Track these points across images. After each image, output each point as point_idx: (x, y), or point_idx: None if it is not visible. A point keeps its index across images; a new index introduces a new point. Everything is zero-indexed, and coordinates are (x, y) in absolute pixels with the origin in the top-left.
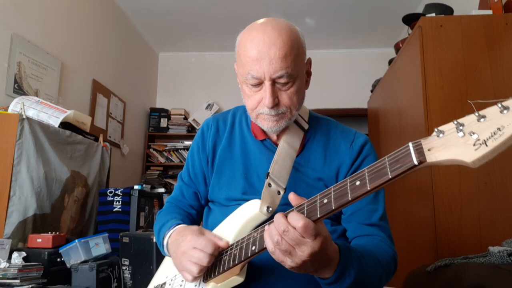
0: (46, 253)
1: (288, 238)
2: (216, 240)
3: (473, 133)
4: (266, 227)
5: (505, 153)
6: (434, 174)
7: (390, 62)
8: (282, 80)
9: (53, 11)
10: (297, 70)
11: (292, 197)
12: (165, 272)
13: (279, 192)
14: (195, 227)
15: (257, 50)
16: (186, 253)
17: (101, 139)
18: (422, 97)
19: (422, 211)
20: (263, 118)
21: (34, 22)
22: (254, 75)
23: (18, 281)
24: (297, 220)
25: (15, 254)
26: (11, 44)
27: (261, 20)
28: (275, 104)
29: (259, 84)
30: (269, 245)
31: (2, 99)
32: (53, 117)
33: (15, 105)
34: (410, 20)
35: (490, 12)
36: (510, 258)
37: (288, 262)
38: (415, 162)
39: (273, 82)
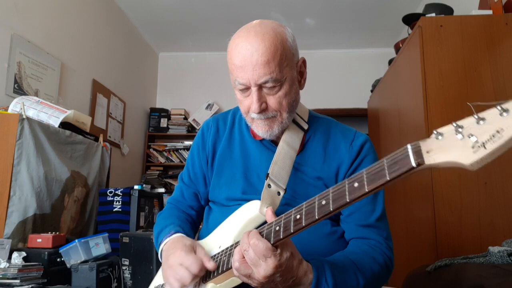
0: (46, 253)
1: (248, 257)
2: (205, 261)
3: (472, 136)
4: (234, 250)
5: (505, 153)
6: (434, 174)
7: (390, 62)
8: (268, 85)
9: (53, 11)
10: (283, 73)
11: (268, 212)
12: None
13: (279, 193)
14: (188, 241)
15: (240, 57)
16: (172, 267)
17: (101, 139)
18: (422, 97)
19: (422, 211)
20: (257, 124)
21: (34, 22)
22: (240, 81)
23: (18, 281)
24: (251, 238)
25: (15, 254)
26: (11, 44)
27: (248, 25)
28: (263, 109)
29: (247, 89)
30: (234, 270)
31: (2, 99)
32: (53, 117)
33: (15, 105)
34: (410, 20)
35: (490, 12)
36: (510, 258)
37: (252, 283)
38: (413, 164)
39: (260, 87)
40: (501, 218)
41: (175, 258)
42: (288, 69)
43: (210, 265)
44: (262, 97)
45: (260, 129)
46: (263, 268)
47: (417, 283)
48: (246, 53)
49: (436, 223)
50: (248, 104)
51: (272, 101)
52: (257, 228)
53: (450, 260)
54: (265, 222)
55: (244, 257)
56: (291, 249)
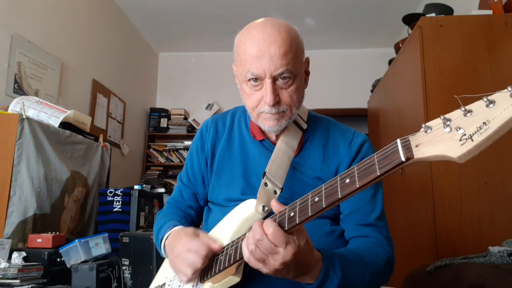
0: (46, 253)
1: (262, 247)
2: (210, 243)
3: (459, 128)
4: (247, 234)
5: (505, 152)
6: (434, 174)
7: (390, 62)
8: (283, 76)
9: (53, 11)
10: (296, 67)
11: (274, 204)
12: (165, 273)
13: (275, 192)
14: (190, 229)
15: (257, 48)
16: (180, 255)
17: (101, 139)
18: (422, 97)
19: (422, 211)
20: (264, 118)
21: (34, 22)
22: (255, 72)
23: (18, 281)
24: (268, 227)
25: (15, 254)
26: (11, 44)
27: (259, 20)
28: (276, 102)
29: (260, 82)
30: (245, 253)
31: (2, 99)
32: (53, 117)
33: (15, 105)
34: (410, 20)
35: (490, 12)
36: (510, 258)
37: (263, 269)
38: (403, 159)
39: (274, 79)
40: (501, 218)
41: (181, 246)
42: (299, 64)
43: (216, 245)
44: (276, 90)
45: (268, 123)
46: (281, 255)
47: (417, 283)
48: (264, 44)
49: (436, 223)
50: (259, 98)
51: (285, 94)
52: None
53: (450, 260)
54: None
55: (258, 246)
56: (306, 236)
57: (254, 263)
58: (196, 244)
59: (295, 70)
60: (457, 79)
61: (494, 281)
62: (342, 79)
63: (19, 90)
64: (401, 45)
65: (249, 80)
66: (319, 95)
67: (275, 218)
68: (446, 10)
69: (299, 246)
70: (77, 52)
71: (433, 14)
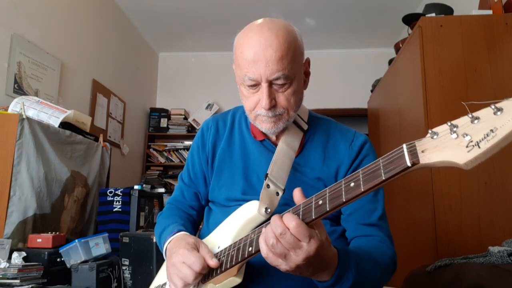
0: (46, 253)
1: (285, 242)
2: (207, 258)
3: (466, 135)
4: (263, 229)
5: (505, 153)
6: (434, 174)
7: (390, 62)
8: (279, 82)
9: (53, 11)
10: (294, 71)
11: (296, 193)
12: (166, 272)
13: (277, 193)
14: (191, 239)
15: (253, 52)
16: (175, 266)
17: (101, 139)
18: (422, 97)
19: (422, 211)
20: (261, 120)
21: (34, 22)
22: (251, 76)
23: (18, 281)
24: (290, 220)
25: (15, 254)
26: (11, 44)
27: (259, 21)
28: (272, 105)
29: (256, 85)
30: (263, 249)
31: (2, 99)
32: (53, 117)
33: (15, 105)
34: (410, 20)
35: (490, 12)
36: (510, 258)
37: (283, 266)
38: (408, 164)
39: (270, 83)
40: (501, 218)
41: (178, 256)
42: (298, 67)
43: (213, 262)
44: (272, 93)
45: (265, 125)
46: (304, 249)
47: (417, 283)
48: (260, 48)
49: (436, 223)
50: (256, 101)
51: (281, 98)
52: (254, 228)
53: (450, 260)
54: (264, 222)
55: (279, 241)
56: (325, 230)
57: (272, 259)
58: (192, 258)
59: (292, 74)
60: (457, 79)
61: (494, 281)
62: (342, 79)
63: (19, 90)
64: (401, 45)
65: (246, 83)
66: (319, 95)
67: (295, 211)
68: (446, 10)
69: (321, 240)
70: (77, 52)
71: (433, 14)
